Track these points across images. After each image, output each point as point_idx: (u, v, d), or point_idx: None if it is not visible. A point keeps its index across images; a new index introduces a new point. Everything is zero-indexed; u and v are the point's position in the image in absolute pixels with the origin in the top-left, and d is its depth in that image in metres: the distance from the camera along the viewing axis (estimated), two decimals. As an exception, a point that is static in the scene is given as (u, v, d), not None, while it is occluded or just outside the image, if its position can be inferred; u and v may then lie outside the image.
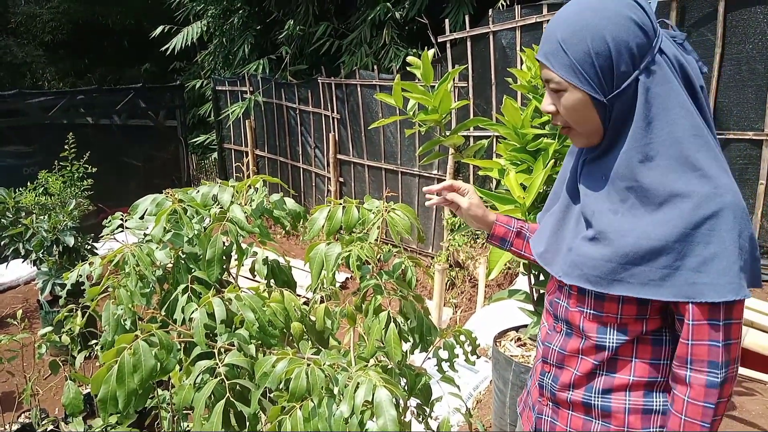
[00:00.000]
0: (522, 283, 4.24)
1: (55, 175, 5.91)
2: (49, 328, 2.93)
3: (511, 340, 2.76)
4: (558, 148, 2.17)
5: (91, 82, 13.03)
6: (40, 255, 4.70)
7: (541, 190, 2.10)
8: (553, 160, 2.12)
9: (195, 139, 10.46)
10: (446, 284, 5.68)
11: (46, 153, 6.10)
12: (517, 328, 2.86)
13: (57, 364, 2.58)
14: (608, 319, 1.26)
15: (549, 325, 1.44)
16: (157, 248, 1.51)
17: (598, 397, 1.30)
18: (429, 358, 1.63)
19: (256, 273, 1.61)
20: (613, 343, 1.27)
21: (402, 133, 6.31)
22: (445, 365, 1.65)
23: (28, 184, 5.60)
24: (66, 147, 5.70)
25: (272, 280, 1.72)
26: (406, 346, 1.55)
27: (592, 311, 1.28)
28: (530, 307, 2.70)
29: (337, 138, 7.13)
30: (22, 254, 4.87)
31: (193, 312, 1.38)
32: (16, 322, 3.06)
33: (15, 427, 3.06)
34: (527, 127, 2.22)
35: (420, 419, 1.67)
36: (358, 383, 1.22)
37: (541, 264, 1.37)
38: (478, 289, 4.49)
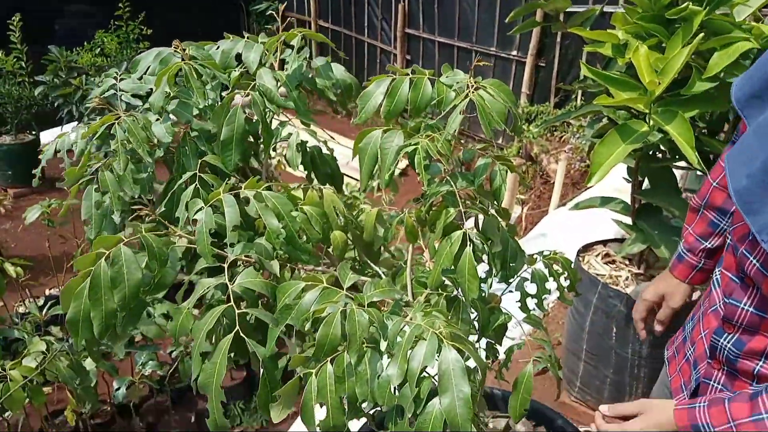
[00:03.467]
0: (610, 185, 3.73)
1: (111, 35, 5.61)
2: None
3: (597, 256, 2.34)
4: (705, 19, 1.60)
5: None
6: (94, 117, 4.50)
7: (678, 77, 1.56)
8: (698, 36, 1.55)
9: (257, 7, 9.84)
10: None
11: (106, 13, 5.78)
12: (605, 242, 2.42)
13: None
14: None
15: (734, 274, 1.05)
16: (157, 120, 1.12)
17: None
18: (511, 291, 1.24)
19: (287, 162, 1.22)
20: None
21: (480, 5, 5.56)
22: (531, 303, 1.26)
23: (84, 44, 5.35)
24: (120, 6, 5.36)
25: (313, 174, 1.33)
26: (481, 271, 1.16)
27: None
28: (628, 220, 2.24)
29: (406, 9, 6.42)
30: (76, 117, 4.72)
31: (197, 212, 1.01)
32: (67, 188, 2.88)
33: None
34: (665, -12, 1.63)
35: (490, 365, 1.31)
36: (417, 337, 0.84)
37: (736, 203, 0.90)
38: (554, 187, 4.01)
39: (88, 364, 2.40)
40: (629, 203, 2.22)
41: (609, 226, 3.47)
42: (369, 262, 1.32)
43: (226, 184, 1.04)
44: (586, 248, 2.37)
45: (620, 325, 2.10)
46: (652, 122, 1.72)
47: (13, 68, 5.42)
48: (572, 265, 1.33)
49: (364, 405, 0.89)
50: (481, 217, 1.10)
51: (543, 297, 1.24)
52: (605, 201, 2.29)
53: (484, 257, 1.16)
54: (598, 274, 2.22)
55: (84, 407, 2.74)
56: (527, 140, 5.24)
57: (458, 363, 0.80)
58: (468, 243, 1.02)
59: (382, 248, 1.36)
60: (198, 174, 1.10)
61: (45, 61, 4.83)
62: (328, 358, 0.87)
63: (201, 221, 1.00)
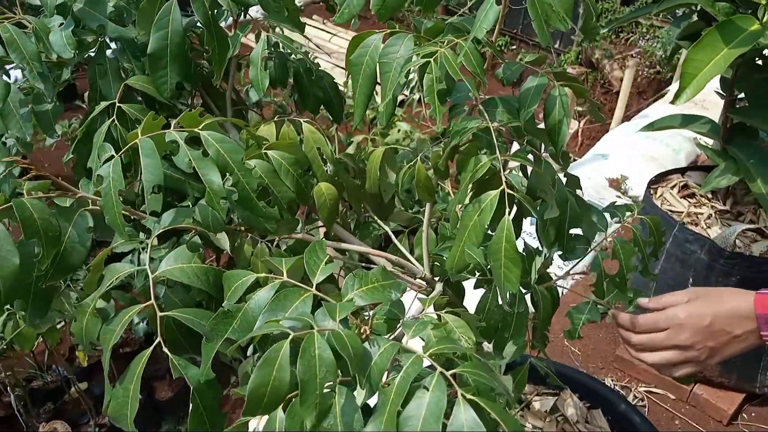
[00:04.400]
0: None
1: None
2: None
3: (673, 188, 1.93)
4: None
5: None
6: None
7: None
8: None
9: None
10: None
11: None
12: (683, 170, 1.99)
13: None
14: None
15: None
16: (60, 27, 0.78)
17: None
18: (580, 276, 0.89)
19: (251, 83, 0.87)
20: None
21: None
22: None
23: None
24: None
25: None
26: (528, 232, 0.81)
27: None
28: (715, 144, 1.81)
29: None
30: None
31: (104, 163, 0.69)
32: None
33: None
34: None
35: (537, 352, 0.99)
36: (416, 380, 0.52)
37: None
38: (619, 98, 3.51)
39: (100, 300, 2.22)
40: (718, 123, 1.78)
41: (685, 145, 3.00)
42: (376, 218, 0.99)
43: (153, 120, 0.71)
44: (660, 178, 1.96)
45: (699, 276, 1.72)
46: (767, 17, 1.27)
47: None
48: (640, 200, 0.98)
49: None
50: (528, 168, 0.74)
51: (628, 276, 0.89)
52: (688, 120, 1.85)
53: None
54: (673, 211, 1.83)
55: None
56: (588, 43, 4.64)
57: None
58: (507, 209, 0.67)
59: (396, 202, 1.02)
60: (117, 105, 0.77)
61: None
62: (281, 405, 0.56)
63: (107, 178, 0.68)
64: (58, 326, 2.23)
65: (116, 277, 0.67)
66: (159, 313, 0.65)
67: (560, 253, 0.83)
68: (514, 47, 5.32)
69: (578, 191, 0.83)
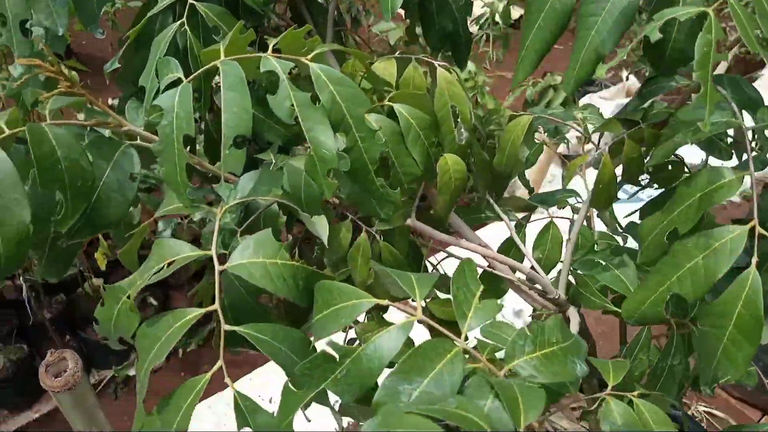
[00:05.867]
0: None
1: None
2: None
3: None
4: None
5: None
6: None
7: None
8: None
9: None
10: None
11: None
12: None
13: None
14: None
15: None
16: None
17: None
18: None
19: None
20: None
21: None
22: None
23: None
24: None
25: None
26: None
27: None
28: None
29: None
30: None
31: (165, 89, 0.47)
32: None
33: None
34: None
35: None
36: None
37: None
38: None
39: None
40: None
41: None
42: (490, 200, 0.77)
43: (240, 34, 0.48)
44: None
45: None
46: None
47: None
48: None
49: None
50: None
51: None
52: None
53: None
54: None
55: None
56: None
57: None
58: (756, 258, 0.44)
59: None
60: (189, 1, 0.53)
61: None
62: None
63: (169, 113, 0.45)
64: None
65: (167, 261, 0.46)
66: (224, 326, 0.44)
67: None
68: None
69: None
